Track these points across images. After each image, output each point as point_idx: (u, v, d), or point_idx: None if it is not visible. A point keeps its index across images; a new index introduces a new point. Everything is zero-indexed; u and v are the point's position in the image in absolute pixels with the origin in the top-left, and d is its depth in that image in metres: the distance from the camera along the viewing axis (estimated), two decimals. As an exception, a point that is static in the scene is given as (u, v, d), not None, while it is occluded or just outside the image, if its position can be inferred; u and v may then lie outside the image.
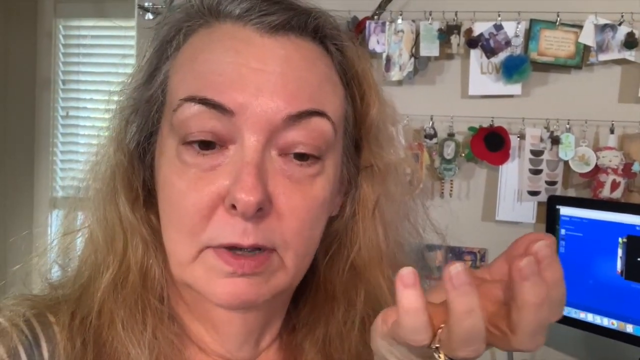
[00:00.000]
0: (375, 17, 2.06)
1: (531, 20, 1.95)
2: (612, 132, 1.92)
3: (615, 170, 1.87)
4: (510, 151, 1.97)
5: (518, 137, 1.99)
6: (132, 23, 2.38)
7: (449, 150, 2.02)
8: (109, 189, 0.61)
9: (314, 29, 0.58)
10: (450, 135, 2.04)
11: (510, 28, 1.97)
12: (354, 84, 0.62)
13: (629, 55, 1.89)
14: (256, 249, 0.53)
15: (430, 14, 2.01)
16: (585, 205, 1.76)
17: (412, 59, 2.03)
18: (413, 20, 2.03)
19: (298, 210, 0.55)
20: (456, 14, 2.00)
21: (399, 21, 2.03)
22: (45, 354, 0.56)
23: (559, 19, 1.94)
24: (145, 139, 0.61)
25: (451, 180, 2.06)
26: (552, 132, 1.96)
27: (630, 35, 1.88)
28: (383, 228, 0.64)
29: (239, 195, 0.51)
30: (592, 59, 1.93)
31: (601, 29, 1.90)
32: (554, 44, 1.94)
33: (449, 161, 2.03)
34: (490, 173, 2.06)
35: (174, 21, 0.60)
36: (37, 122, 3.05)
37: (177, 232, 0.56)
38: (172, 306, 0.62)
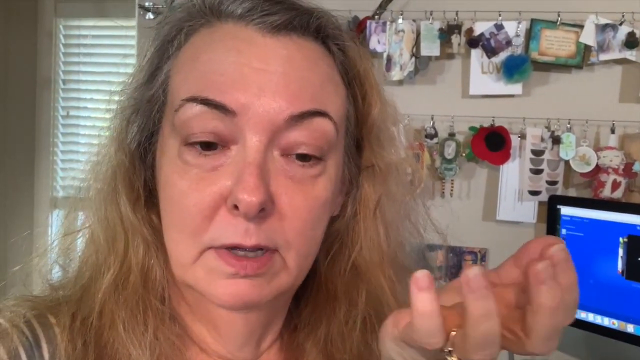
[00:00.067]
0: (376, 16, 2.06)
1: (532, 20, 1.95)
2: (612, 132, 1.92)
3: (616, 170, 1.87)
4: (511, 151, 1.97)
5: (519, 136, 1.99)
6: (133, 23, 2.38)
7: (450, 150, 2.02)
8: (110, 189, 0.61)
9: (316, 29, 0.58)
10: (451, 135, 2.04)
11: (511, 28, 1.97)
12: (356, 83, 0.61)
13: (630, 55, 1.89)
14: (258, 249, 0.53)
15: (431, 14, 2.01)
16: (586, 205, 1.76)
17: (413, 59, 2.03)
18: (414, 20, 2.03)
19: (300, 210, 0.55)
20: (457, 14, 2.00)
21: (400, 21, 2.03)
22: (46, 355, 0.56)
23: (559, 18, 1.94)
24: (147, 139, 0.61)
25: (452, 180, 2.06)
26: (552, 131, 1.95)
27: (631, 35, 1.87)
28: (384, 228, 0.64)
29: (241, 195, 0.50)
30: (592, 59, 1.92)
31: (602, 28, 1.90)
32: (555, 44, 1.94)
33: (449, 161, 2.02)
34: (491, 173, 2.06)
35: (175, 20, 0.60)
36: (38, 122, 3.05)
37: (178, 233, 0.55)
38: (174, 307, 0.61)
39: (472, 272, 0.39)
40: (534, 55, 1.96)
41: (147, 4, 2.15)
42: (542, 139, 1.96)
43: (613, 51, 1.90)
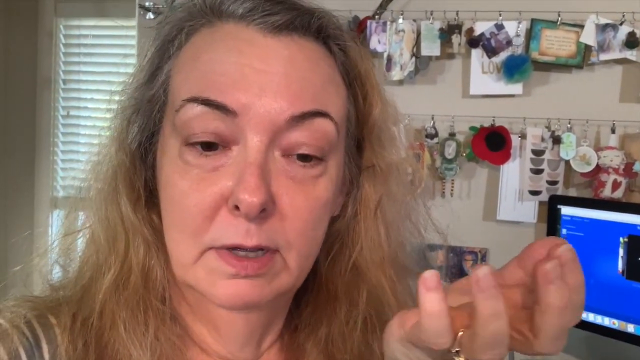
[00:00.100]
0: (376, 16, 2.06)
1: (532, 20, 1.95)
2: (613, 131, 1.92)
3: (616, 170, 1.87)
4: (512, 151, 1.97)
5: (519, 136, 1.99)
6: (133, 22, 2.38)
7: (450, 150, 2.02)
8: (111, 189, 0.61)
9: (317, 29, 0.58)
10: (452, 135, 2.04)
11: (512, 27, 1.97)
12: (357, 84, 0.61)
13: (630, 54, 1.89)
14: (259, 249, 0.53)
15: (431, 14, 2.01)
16: (587, 205, 1.76)
17: (413, 59, 2.03)
18: (414, 20, 2.03)
19: (301, 210, 0.54)
20: (457, 14, 2.00)
21: (400, 21, 2.03)
22: (46, 356, 0.56)
23: (560, 18, 1.93)
24: (147, 139, 0.61)
25: (452, 180, 2.06)
26: (553, 131, 1.95)
27: (631, 34, 1.87)
28: (385, 228, 0.64)
29: (242, 196, 0.50)
30: (593, 59, 1.92)
31: (602, 28, 1.90)
32: (555, 44, 1.94)
33: (450, 161, 2.02)
34: (492, 173, 2.06)
35: (175, 20, 0.60)
36: (38, 122, 3.05)
37: (179, 233, 0.55)
38: (174, 307, 0.61)
39: (481, 272, 0.39)
40: (535, 55, 1.96)
41: (147, 3, 2.15)
42: (543, 139, 1.96)
43: (613, 51, 1.90)
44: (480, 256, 2.05)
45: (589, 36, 1.91)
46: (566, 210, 1.78)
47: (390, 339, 0.46)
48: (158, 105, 0.59)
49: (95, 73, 3.03)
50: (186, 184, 0.54)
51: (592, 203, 1.78)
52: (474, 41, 1.98)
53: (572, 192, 1.99)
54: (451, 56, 2.06)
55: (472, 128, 2.01)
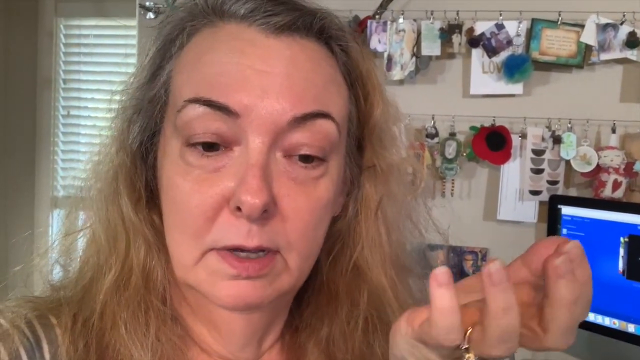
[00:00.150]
0: (377, 16, 2.05)
1: (533, 20, 1.95)
2: (613, 131, 1.92)
3: (616, 170, 1.87)
4: (512, 150, 1.97)
5: (519, 136, 1.99)
6: (134, 22, 2.38)
7: (451, 150, 2.02)
8: (111, 190, 0.61)
9: (319, 30, 0.58)
10: (452, 135, 2.03)
11: (512, 27, 1.96)
12: (358, 84, 0.61)
13: (631, 54, 1.89)
14: (260, 250, 0.53)
15: (432, 13, 2.01)
16: (587, 205, 1.76)
17: (414, 59, 2.03)
18: (414, 20, 2.03)
19: (302, 212, 0.55)
20: (457, 13, 2.00)
21: (401, 20, 2.03)
22: (47, 356, 0.56)
23: (560, 18, 1.93)
24: (148, 139, 0.61)
25: (452, 180, 2.06)
26: (553, 131, 1.95)
27: (632, 34, 1.87)
28: (386, 228, 0.64)
29: (244, 197, 0.50)
30: (593, 59, 1.92)
31: (603, 28, 1.90)
32: (556, 43, 1.94)
33: (450, 161, 2.02)
34: (492, 172, 2.06)
35: (177, 20, 0.60)
36: (38, 122, 3.05)
37: (180, 234, 0.55)
38: (175, 307, 0.61)
39: (493, 266, 0.39)
40: (535, 54, 1.96)
41: (147, 3, 2.15)
42: (543, 139, 1.96)
43: (614, 51, 1.90)
44: (481, 256, 2.05)
45: (589, 36, 1.91)
46: (567, 210, 1.78)
47: (398, 337, 0.46)
48: (159, 105, 0.59)
49: (96, 73, 3.03)
50: (188, 185, 0.54)
51: (592, 203, 1.78)
52: (474, 41, 1.98)
53: (573, 192, 1.99)
54: (451, 56, 2.05)
55: (472, 128, 2.01)
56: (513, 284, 0.43)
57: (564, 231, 1.76)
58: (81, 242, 0.64)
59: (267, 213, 0.52)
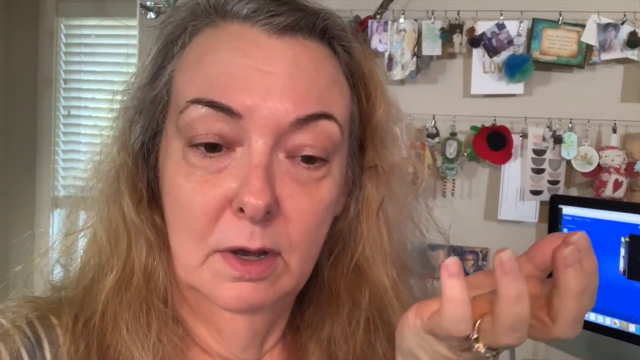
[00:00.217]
0: (378, 16, 2.05)
1: (533, 20, 1.95)
2: (614, 131, 1.92)
3: (617, 170, 1.87)
4: (513, 150, 1.97)
5: (520, 136, 1.99)
6: (134, 22, 2.38)
7: (451, 150, 2.02)
8: (113, 190, 0.60)
9: (322, 30, 0.58)
10: (453, 135, 2.03)
11: (513, 27, 1.96)
12: (361, 84, 0.61)
13: (632, 54, 1.89)
14: (262, 252, 0.53)
15: (433, 13, 2.01)
16: (588, 205, 1.76)
17: (414, 58, 2.03)
18: (415, 20, 2.03)
19: (305, 213, 0.55)
20: (458, 13, 2.00)
21: (401, 20, 2.03)
22: (48, 356, 0.56)
23: (561, 18, 1.93)
24: (150, 139, 0.61)
25: (453, 180, 2.06)
26: (554, 131, 1.95)
27: (632, 34, 1.87)
28: (387, 228, 0.64)
29: (247, 198, 0.50)
30: (594, 58, 1.92)
31: (604, 28, 1.89)
32: (557, 43, 1.94)
33: (451, 160, 2.02)
34: (493, 172, 2.06)
35: (178, 20, 0.60)
36: (39, 121, 3.05)
37: (184, 235, 0.55)
38: (175, 308, 0.61)
39: (505, 255, 0.39)
40: (536, 54, 1.96)
41: (148, 3, 2.15)
42: (544, 139, 1.96)
43: (615, 51, 1.90)
44: (482, 256, 2.05)
45: (590, 36, 1.91)
46: (567, 210, 1.78)
47: (406, 330, 0.46)
48: (161, 105, 0.59)
49: (96, 73, 3.03)
50: (190, 186, 0.54)
51: (593, 203, 1.78)
52: (475, 41, 1.98)
53: (574, 192, 1.99)
54: (452, 56, 2.05)
55: (473, 128, 2.01)
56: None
57: (565, 231, 1.76)
58: (82, 242, 0.64)
59: (269, 214, 0.52)
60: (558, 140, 1.94)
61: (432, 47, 2.01)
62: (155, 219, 0.61)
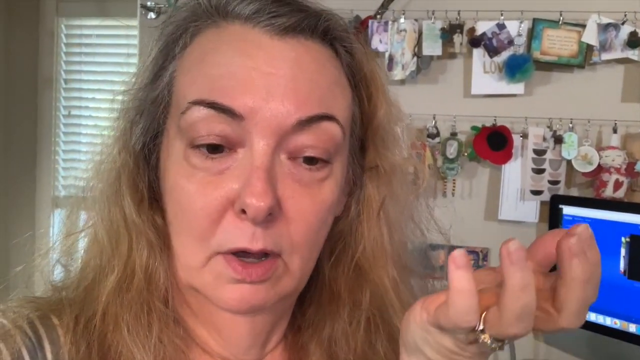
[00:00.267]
0: (378, 16, 2.05)
1: (534, 20, 1.95)
2: (615, 131, 1.91)
3: (618, 170, 1.86)
4: (513, 150, 1.97)
5: (521, 136, 1.99)
6: (135, 22, 2.38)
7: (452, 150, 2.02)
8: (114, 191, 0.60)
9: (324, 31, 0.58)
10: (453, 135, 2.03)
11: (513, 27, 1.96)
12: (362, 85, 0.61)
13: (632, 54, 1.89)
14: (263, 254, 0.53)
15: (433, 13, 2.01)
16: (588, 205, 1.76)
17: (415, 58, 2.03)
18: (416, 20, 2.03)
19: (307, 214, 0.55)
20: (459, 13, 2.00)
21: (402, 20, 2.02)
22: (49, 356, 0.56)
23: (561, 18, 1.93)
24: (151, 140, 0.60)
25: (454, 180, 2.06)
26: (554, 131, 1.95)
27: (633, 34, 1.87)
28: (388, 228, 0.64)
29: (249, 200, 0.50)
30: (595, 58, 1.92)
31: (604, 28, 1.89)
32: (557, 43, 1.94)
33: (451, 160, 2.02)
34: (493, 172, 2.06)
35: (179, 20, 0.59)
36: (39, 121, 3.05)
37: (186, 236, 0.55)
38: (176, 309, 0.61)
39: (512, 245, 0.40)
40: (536, 54, 1.95)
41: (149, 3, 2.15)
42: (544, 139, 1.96)
43: (615, 51, 1.90)
44: (482, 256, 2.05)
45: (590, 36, 1.91)
46: (568, 210, 1.78)
47: (412, 324, 0.47)
48: (162, 106, 0.59)
49: (97, 73, 3.03)
50: (192, 188, 0.54)
51: (593, 203, 1.78)
52: (475, 41, 1.98)
53: (574, 192, 1.99)
54: (453, 56, 2.05)
55: (473, 128, 2.01)
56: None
57: (565, 231, 1.76)
58: (82, 243, 0.64)
59: (271, 216, 0.52)
60: (558, 140, 1.94)
61: (432, 47, 2.01)
62: (156, 220, 0.61)
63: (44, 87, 3.04)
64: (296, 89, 0.53)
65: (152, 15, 2.13)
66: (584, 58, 1.93)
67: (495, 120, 1.99)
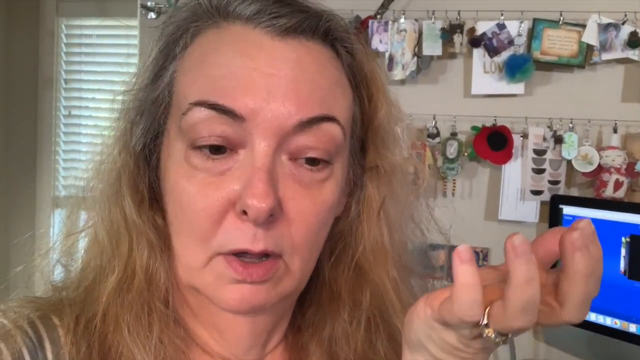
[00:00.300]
0: (378, 16, 2.05)
1: (534, 20, 1.95)
2: (615, 131, 1.91)
3: (618, 170, 1.86)
4: (513, 150, 1.97)
5: (521, 136, 1.99)
6: (135, 22, 2.38)
7: (452, 150, 2.02)
8: (114, 191, 0.60)
9: (325, 32, 0.58)
10: (453, 135, 2.03)
11: (513, 27, 1.96)
12: (363, 86, 0.61)
13: (632, 54, 1.89)
14: (264, 255, 0.53)
15: (433, 13, 2.01)
16: (588, 205, 1.76)
17: (415, 58, 2.03)
18: (416, 20, 2.03)
19: (307, 215, 0.55)
20: (459, 13, 2.00)
21: (402, 20, 2.03)
22: (50, 356, 0.56)
23: (562, 18, 1.93)
24: (152, 141, 0.60)
25: (454, 180, 2.06)
26: (555, 131, 1.95)
27: (633, 34, 1.87)
28: (388, 228, 0.64)
29: (250, 201, 0.50)
30: (595, 58, 1.92)
31: (604, 28, 1.89)
32: (557, 43, 1.94)
33: (451, 160, 2.02)
34: (493, 172, 2.06)
35: (180, 20, 0.59)
36: (40, 121, 3.05)
37: (187, 237, 0.56)
38: (177, 309, 0.61)
39: (517, 239, 0.40)
40: (536, 54, 1.95)
41: (149, 3, 2.15)
42: (545, 139, 1.96)
43: (615, 51, 1.90)
44: (482, 256, 2.05)
45: (591, 36, 1.91)
46: (568, 210, 1.78)
47: (415, 321, 0.47)
48: (162, 106, 0.59)
49: (97, 73, 3.03)
50: (194, 189, 0.54)
51: (594, 203, 1.78)
52: (475, 41, 1.98)
53: (574, 192, 1.99)
54: (453, 56, 2.05)
55: (473, 128, 2.01)
56: None
57: (566, 231, 1.76)
58: (82, 243, 0.64)
59: (272, 217, 0.52)
60: (559, 140, 1.94)
61: (432, 47, 2.01)
62: (156, 220, 0.61)
63: (44, 87, 3.04)
64: (297, 90, 0.53)
65: (152, 15, 2.14)
66: (584, 58, 1.93)
67: (495, 120, 2.00)
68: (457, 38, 1.99)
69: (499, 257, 2.01)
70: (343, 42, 0.60)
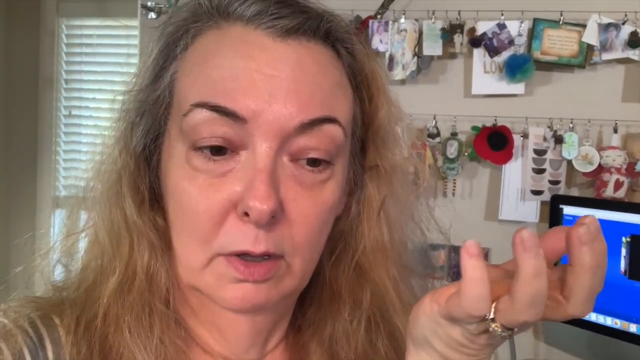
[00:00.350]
0: (378, 16, 2.05)
1: (534, 20, 1.95)
2: (615, 131, 1.91)
3: (618, 170, 1.86)
4: (514, 150, 1.97)
5: (521, 136, 1.99)
6: (135, 22, 2.38)
7: (452, 150, 2.02)
8: (115, 192, 0.60)
9: (326, 33, 0.58)
10: (453, 135, 2.03)
11: (514, 27, 1.96)
12: (363, 86, 0.61)
13: (633, 54, 1.89)
14: (265, 255, 0.53)
15: (433, 13, 2.01)
16: (589, 205, 1.76)
17: (415, 58, 2.03)
18: (416, 20, 2.03)
19: (309, 216, 0.55)
20: (459, 13, 2.00)
21: (402, 20, 2.03)
22: (50, 356, 0.56)
23: (562, 18, 1.93)
24: (152, 141, 0.60)
25: (454, 180, 2.06)
26: (555, 131, 1.95)
27: (633, 34, 1.87)
28: (388, 228, 0.64)
29: (252, 203, 0.50)
30: (595, 58, 1.92)
31: (605, 28, 1.89)
32: (557, 43, 1.94)
33: (452, 160, 2.02)
34: (494, 172, 2.06)
35: (180, 20, 0.59)
36: (40, 121, 3.05)
37: (188, 238, 0.55)
38: (177, 309, 0.61)
39: (526, 233, 0.40)
40: (537, 54, 1.95)
41: (149, 3, 2.15)
42: (545, 139, 1.96)
43: (616, 51, 1.90)
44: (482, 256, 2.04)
45: (591, 36, 1.91)
46: (568, 210, 1.78)
47: (421, 317, 0.47)
48: (163, 107, 0.59)
49: (97, 73, 3.03)
50: (195, 190, 0.54)
51: (594, 203, 1.78)
52: (476, 41, 1.98)
53: (574, 192, 1.99)
54: (453, 56, 2.05)
55: (474, 128, 2.01)
56: None
57: (566, 231, 1.76)
58: (83, 243, 0.64)
59: (274, 218, 0.52)
60: (559, 140, 1.94)
61: (432, 47, 2.01)
62: (157, 220, 0.61)
63: (45, 87, 3.04)
64: (298, 92, 0.53)
65: (152, 15, 2.13)
66: (585, 58, 1.93)
67: (495, 120, 2.00)
68: (457, 38, 1.99)
69: (499, 257, 2.01)
70: (344, 42, 0.60)
